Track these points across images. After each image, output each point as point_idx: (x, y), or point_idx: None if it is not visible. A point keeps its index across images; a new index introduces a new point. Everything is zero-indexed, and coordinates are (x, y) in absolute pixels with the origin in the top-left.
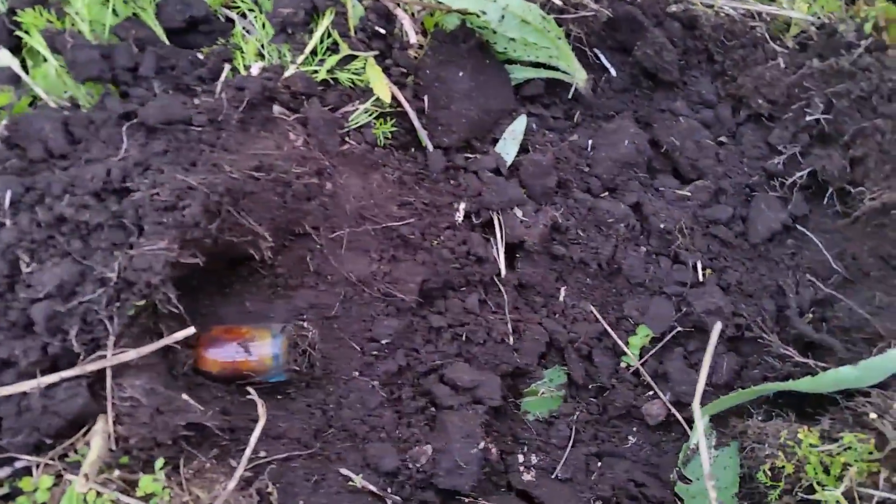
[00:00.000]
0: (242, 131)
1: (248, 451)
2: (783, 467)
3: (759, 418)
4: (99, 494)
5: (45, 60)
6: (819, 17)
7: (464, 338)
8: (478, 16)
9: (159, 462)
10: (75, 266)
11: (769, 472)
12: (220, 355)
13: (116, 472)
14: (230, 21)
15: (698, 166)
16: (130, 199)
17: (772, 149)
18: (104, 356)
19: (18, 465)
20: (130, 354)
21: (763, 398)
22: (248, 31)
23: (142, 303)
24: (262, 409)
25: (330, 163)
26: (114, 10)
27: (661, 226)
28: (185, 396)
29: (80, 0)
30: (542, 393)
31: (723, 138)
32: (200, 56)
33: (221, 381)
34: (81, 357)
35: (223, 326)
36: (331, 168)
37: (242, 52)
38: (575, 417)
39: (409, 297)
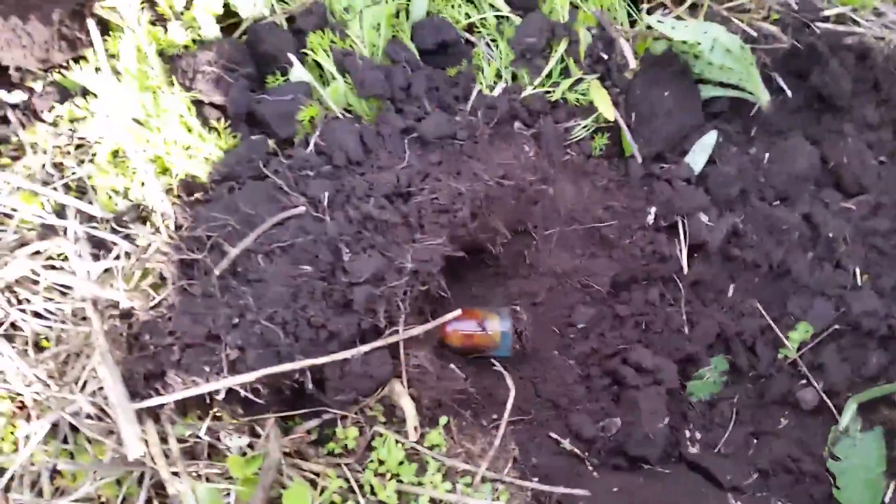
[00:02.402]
0: (491, 144)
1: (506, 414)
2: None
3: None
4: (397, 442)
5: (334, 78)
6: None
7: (643, 326)
8: (694, 45)
9: (443, 419)
10: (383, 257)
11: None
12: (461, 329)
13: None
14: (469, 44)
15: (861, 182)
16: (413, 201)
17: None
18: (397, 331)
19: (326, 416)
20: (418, 330)
21: None
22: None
23: (424, 288)
24: (510, 381)
25: (553, 172)
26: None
27: (829, 234)
28: (451, 366)
29: (358, 25)
30: (707, 378)
31: (883, 158)
32: (450, 76)
33: (460, 354)
34: (386, 332)
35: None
36: (553, 176)
37: (483, 73)
38: (735, 400)
39: (603, 289)
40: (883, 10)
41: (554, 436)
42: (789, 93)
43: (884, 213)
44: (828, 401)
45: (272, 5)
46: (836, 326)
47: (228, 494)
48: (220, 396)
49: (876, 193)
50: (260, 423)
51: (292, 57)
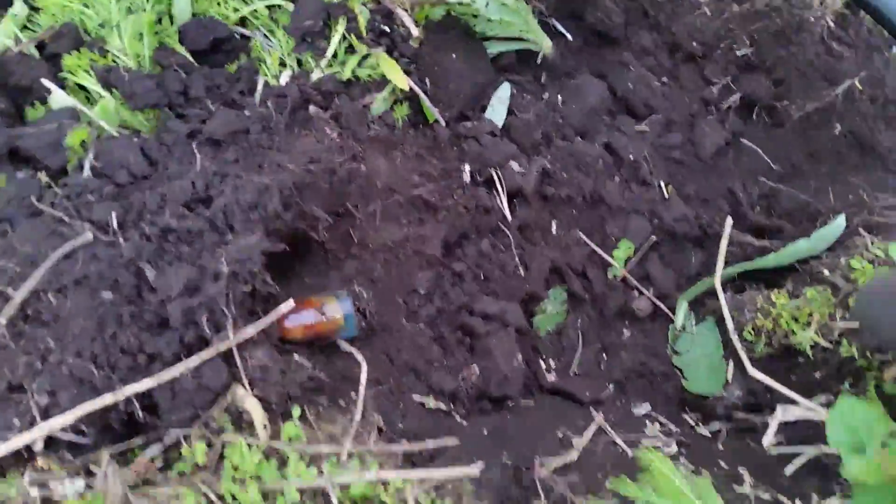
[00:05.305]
0: (289, 133)
1: (361, 388)
2: (763, 326)
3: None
4: (249, 446)
5: (101, 97)
6: None
7: (482, 277)
8: (469, 4)
9: (296, 410)
10: (193, 267)
11: (752, 331)
12: (301, 321)
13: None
14: (245, 38)
15: (650, 104)
16: (217, 204)
17: (707, 81)
18: (228, 337)
19: (167, 440)
20: (250, 331)
21: (728, 281)
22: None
23: (248, 289)
24: (359, 355)
25: (361, 148)
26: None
27: (630, 157)
28: (296, 357)
29: (117, 38)
30: (549, 310)
31: (665, 79)
32: (231, 73)
33: (304, 345)
34: (213, 340)
35: (295, 300)
36: (362, 153)
37: (266, 64)
38: (579, 324)
39: (436, 252)
40: None
41: (417, 398)
42: (568, 35)
43: (674, 128)
44: (661, 305)
45: (16, 35)
46: (654, 238)
47: None
48: (39, 447)
49: (664, 112)
50: (96, 463)
51: (49, 83)
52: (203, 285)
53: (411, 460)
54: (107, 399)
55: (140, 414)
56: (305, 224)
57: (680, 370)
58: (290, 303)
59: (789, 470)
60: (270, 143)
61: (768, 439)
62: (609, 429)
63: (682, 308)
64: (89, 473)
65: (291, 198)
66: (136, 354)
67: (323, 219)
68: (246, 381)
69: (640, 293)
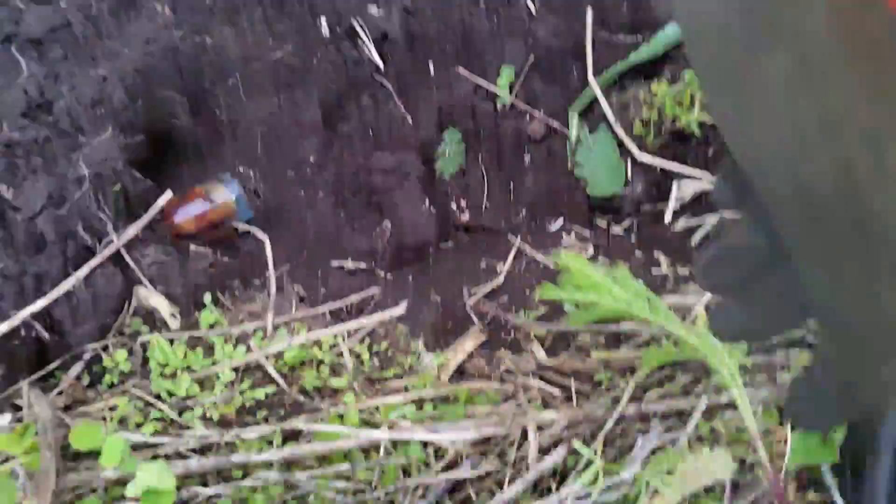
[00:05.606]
0: (116, 17)
1: (269, 261)
2: (650, 118)
3: (615, 99)
4: (171, 342)
5: None
6: None
7: (371, 134)
8: None
9: (207, 297)
10: (51, 176)
11: (641, 124)
12: (191, 213)
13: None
14: None
15: None
16: (58, 107)
17: None
18: (111, 242)
19: (86, 356)
20: (132, 230)
21: (612, 85)
22: None
23: (117, 188)
24: (259, 232)
25: (201, 19)
26: None
27: None
28: (192, 247)
29: None
30: (448, 153)
31: None
32: None
33: (206, 239)
34: (100, 247)
35: (178, 194)
36: (203, 24)
37: None
38: (481, 160)
39: (316, 117)
40: None
41: (335, 263)
42: None
43: None
44: (553, 123)
45: None
46: (533, 57)
47: (17, 477)
48: None
49: None
50: (17, 396)
51: None
52: (67, 193)
53: (340, 318)
54: (2, 328)
55: (46, 336)
56: (163, 112)
57: (585, 180)
58: (169, 194)
59: (694, 240)
60: (98, 33)
61: (668, 216)
62: (528, 249)
63: (574, 121)
64: (16, 408)
65: (136, 86)
66: (21, 278)
67: (179, 103)
68: (146, 281)
69: (532, 117)
